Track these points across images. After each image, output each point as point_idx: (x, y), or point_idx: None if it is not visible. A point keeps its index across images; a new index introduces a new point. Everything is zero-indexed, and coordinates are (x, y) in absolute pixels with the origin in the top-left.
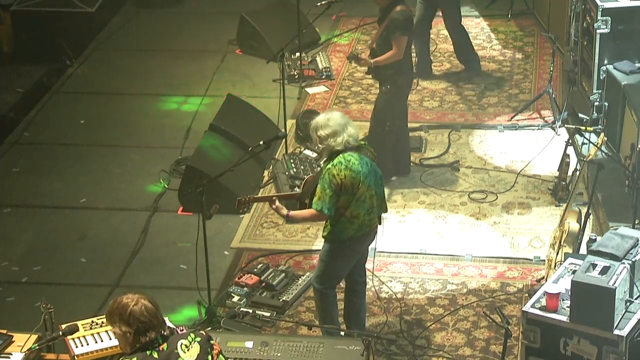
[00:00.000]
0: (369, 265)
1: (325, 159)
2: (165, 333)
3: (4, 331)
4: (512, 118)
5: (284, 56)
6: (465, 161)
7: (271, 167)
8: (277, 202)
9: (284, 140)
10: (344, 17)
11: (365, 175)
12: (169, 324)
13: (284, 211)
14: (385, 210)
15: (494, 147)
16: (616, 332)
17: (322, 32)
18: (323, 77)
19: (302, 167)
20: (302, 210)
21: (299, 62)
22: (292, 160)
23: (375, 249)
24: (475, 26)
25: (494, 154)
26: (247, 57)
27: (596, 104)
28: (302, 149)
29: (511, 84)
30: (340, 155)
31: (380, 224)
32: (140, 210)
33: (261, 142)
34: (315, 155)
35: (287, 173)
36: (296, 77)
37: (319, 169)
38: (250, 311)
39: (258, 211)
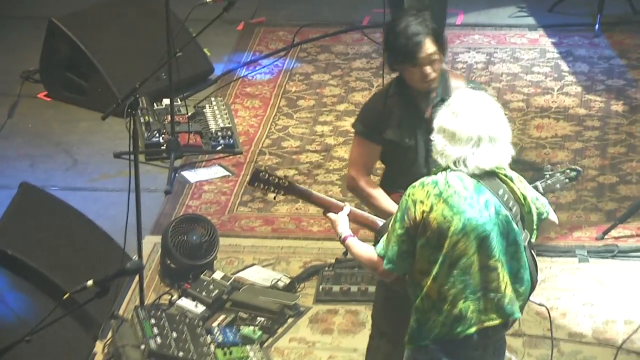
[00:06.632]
0: None
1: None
2: None
3: None
4: (605, 234)
5: (139, 105)
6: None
7: (110, 334)
8: (329, 214)
9: (137, 277)
10: (261, 26)
11: (471, 222)
12: None
13: (341, 229)
14: (520, 309)
15: (571, 292)
16: None
17: (215, 57)
18: (219, 147)
19: (172, 334)
20: (363, 245)
21: (169, 116)
22: (153, 320)
23: None
24: (530, 45)
25: (571, 305)
26: (62, 107)
27: None
28: (176, 296)
29: (603, 164)
30: (444, 173)
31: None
32: None
33: (89, 283)
34: (203, 309)
35: (143, 345)
36: (163, 147)
37: (208, 337)
38: None
39: None
